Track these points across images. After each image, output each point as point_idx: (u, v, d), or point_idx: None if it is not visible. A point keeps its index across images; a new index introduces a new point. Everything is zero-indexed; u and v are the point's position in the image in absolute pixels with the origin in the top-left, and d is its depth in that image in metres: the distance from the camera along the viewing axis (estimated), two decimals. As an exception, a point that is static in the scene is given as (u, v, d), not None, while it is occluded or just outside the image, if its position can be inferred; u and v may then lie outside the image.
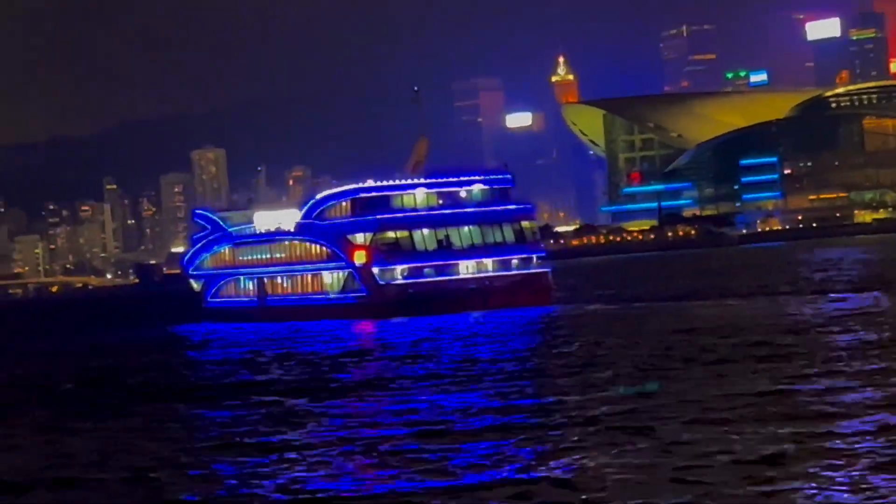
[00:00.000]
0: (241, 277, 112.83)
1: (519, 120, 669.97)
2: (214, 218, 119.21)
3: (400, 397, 42.04)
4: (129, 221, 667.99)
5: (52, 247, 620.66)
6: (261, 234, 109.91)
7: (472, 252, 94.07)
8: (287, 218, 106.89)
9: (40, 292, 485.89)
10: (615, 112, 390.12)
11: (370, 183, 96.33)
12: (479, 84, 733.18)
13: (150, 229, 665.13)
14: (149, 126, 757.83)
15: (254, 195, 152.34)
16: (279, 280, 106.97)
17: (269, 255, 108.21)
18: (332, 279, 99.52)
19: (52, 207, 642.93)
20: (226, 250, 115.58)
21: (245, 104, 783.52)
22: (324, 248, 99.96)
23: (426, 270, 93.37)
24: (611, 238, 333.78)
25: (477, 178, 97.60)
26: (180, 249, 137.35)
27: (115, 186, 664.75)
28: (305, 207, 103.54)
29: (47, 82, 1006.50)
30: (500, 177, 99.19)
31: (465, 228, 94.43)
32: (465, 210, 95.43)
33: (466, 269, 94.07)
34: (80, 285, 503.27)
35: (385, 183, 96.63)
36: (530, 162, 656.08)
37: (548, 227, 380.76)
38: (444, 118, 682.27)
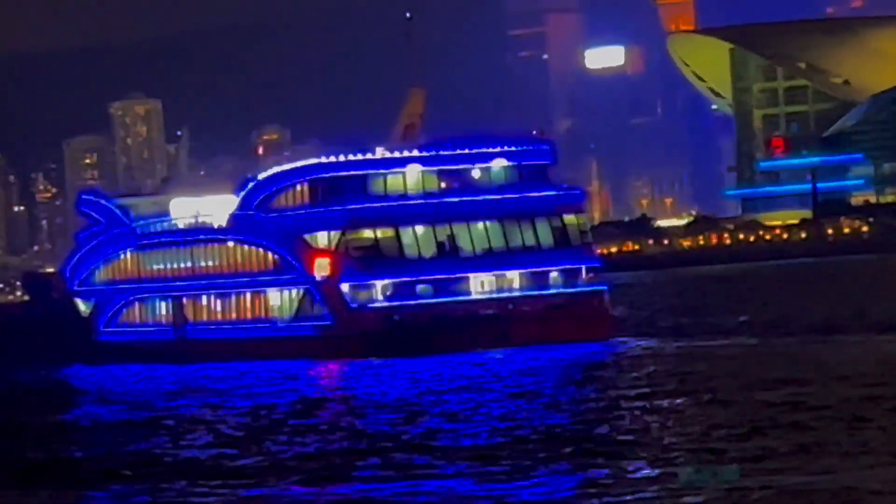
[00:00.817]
0: (150, 297, 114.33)
1: (605, 57, 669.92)
2: (110, 207, 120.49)
3: (359, 485, 42.90)
4: (15, 209, 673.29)
5: None
6: (179, 233, 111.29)
7: (489, 261, 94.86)
8: (218, 207, 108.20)
9: None
10: (749, 46, 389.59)
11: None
12: (546, 4, 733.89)
13: (46, 220, 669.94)
14: (41, 61, 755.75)
15: (173, 172, 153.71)
16: (205, 301, 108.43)
17: (190, 264, 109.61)
18: (281, 300, 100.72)
19: None
20: (127, 256, 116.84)
21: (187, 35, 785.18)
22: (269, 254, 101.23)
23: (420, 288, 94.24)
24: (741, 237, 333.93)
25: (497, 149, 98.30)
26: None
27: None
28: (243, 192, 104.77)
29: None
30: (531, 148, 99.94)
31: (480, 225, 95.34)
32: (480, 198, 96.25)
33: (481, 285, 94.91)
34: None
35: (360, 157, 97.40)
36: (621, 121, 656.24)
37: (646, 219, 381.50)
38: (492, 54, 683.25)
